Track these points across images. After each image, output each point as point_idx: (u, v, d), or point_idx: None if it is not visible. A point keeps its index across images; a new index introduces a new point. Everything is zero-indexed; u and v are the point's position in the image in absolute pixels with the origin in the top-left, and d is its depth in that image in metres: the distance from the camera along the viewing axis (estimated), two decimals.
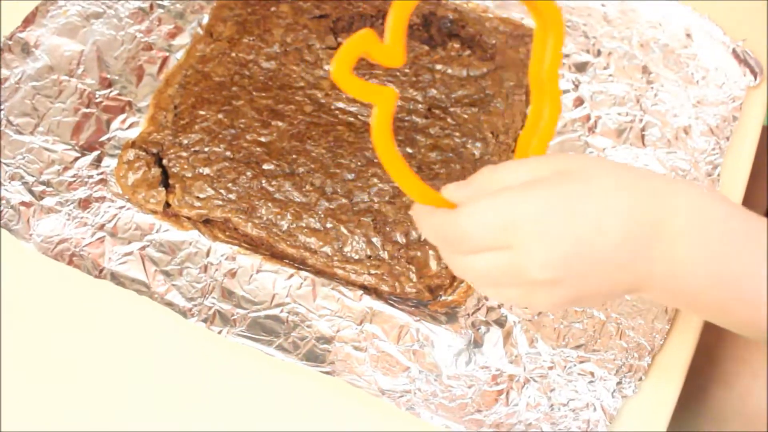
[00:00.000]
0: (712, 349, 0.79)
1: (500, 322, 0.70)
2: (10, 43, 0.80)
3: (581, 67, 0.82)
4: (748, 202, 0.73)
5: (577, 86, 0.81)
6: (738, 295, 0.54)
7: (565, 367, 0.69)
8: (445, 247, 0.56)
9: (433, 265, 0.71)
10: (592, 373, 0.69)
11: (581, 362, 0.69)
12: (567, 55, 0.83)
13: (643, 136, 0.79)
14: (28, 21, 0.81)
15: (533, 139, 0.60)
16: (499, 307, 0.71)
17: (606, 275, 0.53)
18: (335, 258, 0.72)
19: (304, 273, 0.72)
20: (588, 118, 0.80)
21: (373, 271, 0.71)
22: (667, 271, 0.53)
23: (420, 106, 0.78)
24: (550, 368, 0.69)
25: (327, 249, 0.72)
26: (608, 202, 0.52)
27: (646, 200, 0.52)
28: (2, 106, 0.77)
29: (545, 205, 0.51)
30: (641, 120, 0.80)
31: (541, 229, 0.51)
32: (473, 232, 0.53)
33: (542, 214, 0.51)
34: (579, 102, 0.80)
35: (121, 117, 0.79)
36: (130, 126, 0.79)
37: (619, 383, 0.68)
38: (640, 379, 0.68)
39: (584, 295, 0.54)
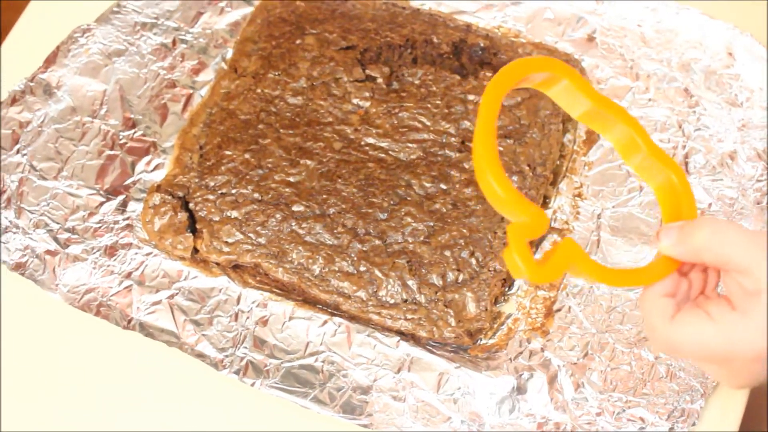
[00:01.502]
0: None
1: (544, 367, 0.68)
2: (32, 84, 0.78)
3: (619, 92, 0.79)
4: None
5: None
6: None
7: (614, 412, 0.66)
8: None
9: (471, 307, 0.69)
10: (642, 419, 0.66)
11: (630, 407, 0.66)
12: (604, 80, 0.79)
13: (686, 164, 0.76)
14: (50, 61, 0.79)
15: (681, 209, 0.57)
16: (543, 350, 0.68)
17: None
18: (370, 303, 0.69)
19: (338, 319, 0.70)
20: None
21: (409, 316, 0.69)
22: None
23: (453, 139, 0.75)
24: (598, 414, 0.66)
25: (361, 293, 0.69)
26: None
27: None
28: (25, 151, 0.75)
29: (763, 345, 0.52)
30: (684, 146, 0.76)
31: (753, 370, 0.53)
32: (689, 353, 0.54)
33: (756, 358, 0.52)
34: None
35: (146, 159, 0.77)
36: (156, 168, 0.77)
37: (671, 429, 0.65)
38: (693, 424, 0.65)
39: None
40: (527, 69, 0.54)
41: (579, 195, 0.75)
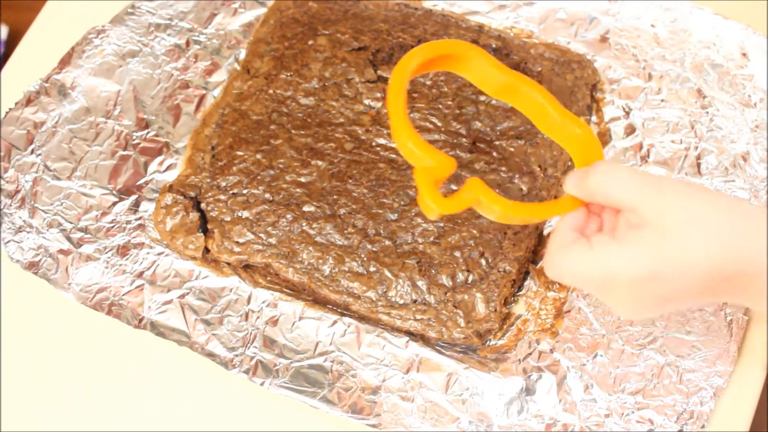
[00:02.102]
0: None
1: (553, 368, 0.67)
2: (46, 85, 0.79)
3: (632, 93, 0.79)
4: None
5: (627, 113, 0.78)
6: None
7: (623, 414, 0.66)
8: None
9: (481, 308, 0.69)
10: (651, 421, 0.65)
11: (639, 409, 0.66)
12: (617, 81, 0.79)
13: (698, 165, 0.75)
14: (64, 62, 0.80)
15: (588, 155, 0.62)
16: (552, 351, 0.68)
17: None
18: (379, 303, 0.70)
19: (347, 319, 0.70)
20: (640, 146, 0.76)
21: (419, 317, 0.69)
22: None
23: (464, 140, 0.75)
24: (607, 416, 0.66)
25: (371, 294, 0.70)
26: (692, 258, 0.54)
27: (731, 246, 0.54)
28: (39, 152, 0.76)
29: (635, 271, 0.54)
30: (696, 147, 0.76)
31: (634, 296, 0.56)
32: (572, 281, 0.59)
33: (634, 281, 0.55)
34: (630, 130, 0.77)
35: (159, 159, 0.77)
36: (168, 168, 0.77)
37: (680, 431, 0.65)
38: (703, 426, 0.65)
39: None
40: (436, 50, 0.60)
41: None
